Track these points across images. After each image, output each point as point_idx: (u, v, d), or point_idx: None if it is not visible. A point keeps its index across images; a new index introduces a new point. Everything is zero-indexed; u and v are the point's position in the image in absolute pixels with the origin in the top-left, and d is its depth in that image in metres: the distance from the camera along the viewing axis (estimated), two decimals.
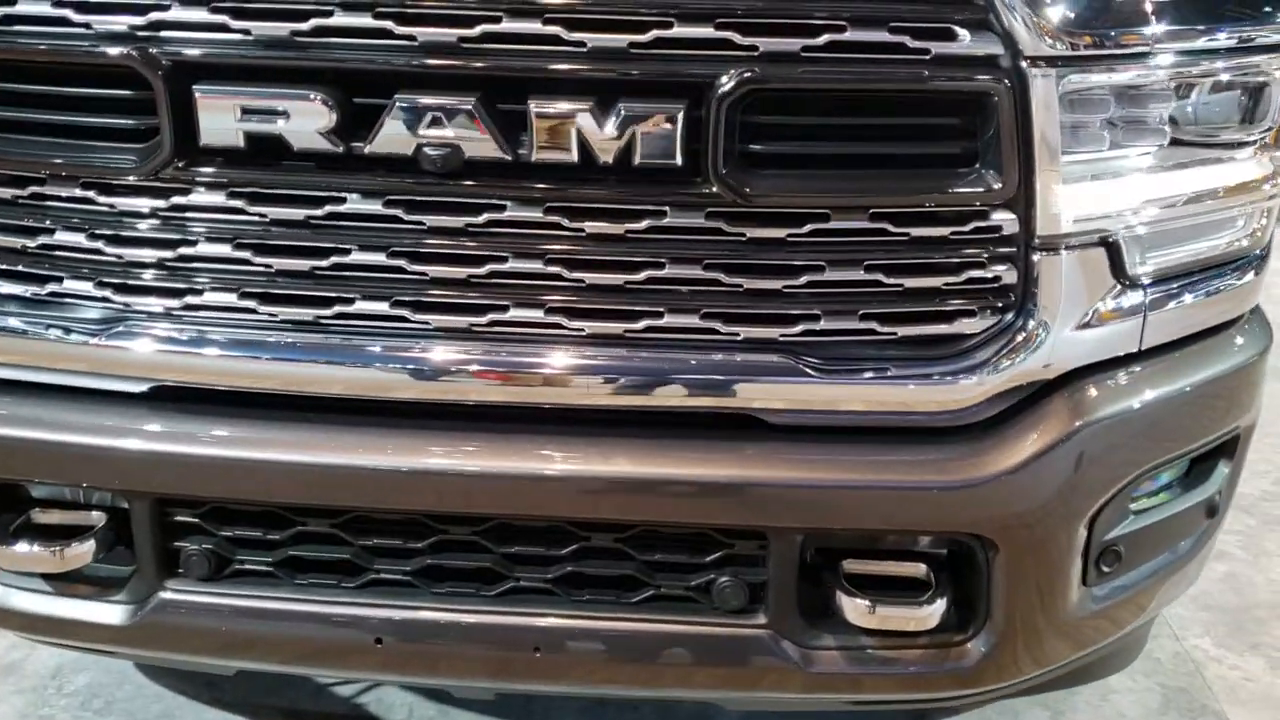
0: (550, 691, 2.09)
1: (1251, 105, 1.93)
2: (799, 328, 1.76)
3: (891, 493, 1.78)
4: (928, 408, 1.79)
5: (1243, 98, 1.92)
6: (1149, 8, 1.74)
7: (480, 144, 1.64)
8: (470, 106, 1.62)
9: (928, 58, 1.62)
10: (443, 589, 1.89)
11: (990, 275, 1.76)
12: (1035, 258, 1.75)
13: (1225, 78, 1.88)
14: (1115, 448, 1.86)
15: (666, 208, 1.69)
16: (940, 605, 1.84)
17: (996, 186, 1.68)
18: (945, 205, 1.71)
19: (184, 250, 1.78)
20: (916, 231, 1.72)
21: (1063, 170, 1.73)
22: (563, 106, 1.62)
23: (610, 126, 1.61)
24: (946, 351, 1.79)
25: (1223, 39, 1.85)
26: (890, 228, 1.71)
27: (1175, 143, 1.84)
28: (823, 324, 1.76)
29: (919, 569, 1.90)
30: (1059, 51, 1.66)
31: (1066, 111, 1.70)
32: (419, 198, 1.71)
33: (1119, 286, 1.84)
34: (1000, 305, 1.78)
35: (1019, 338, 1.78)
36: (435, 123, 1.63)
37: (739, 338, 1.76)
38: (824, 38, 1.60)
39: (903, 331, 1.77)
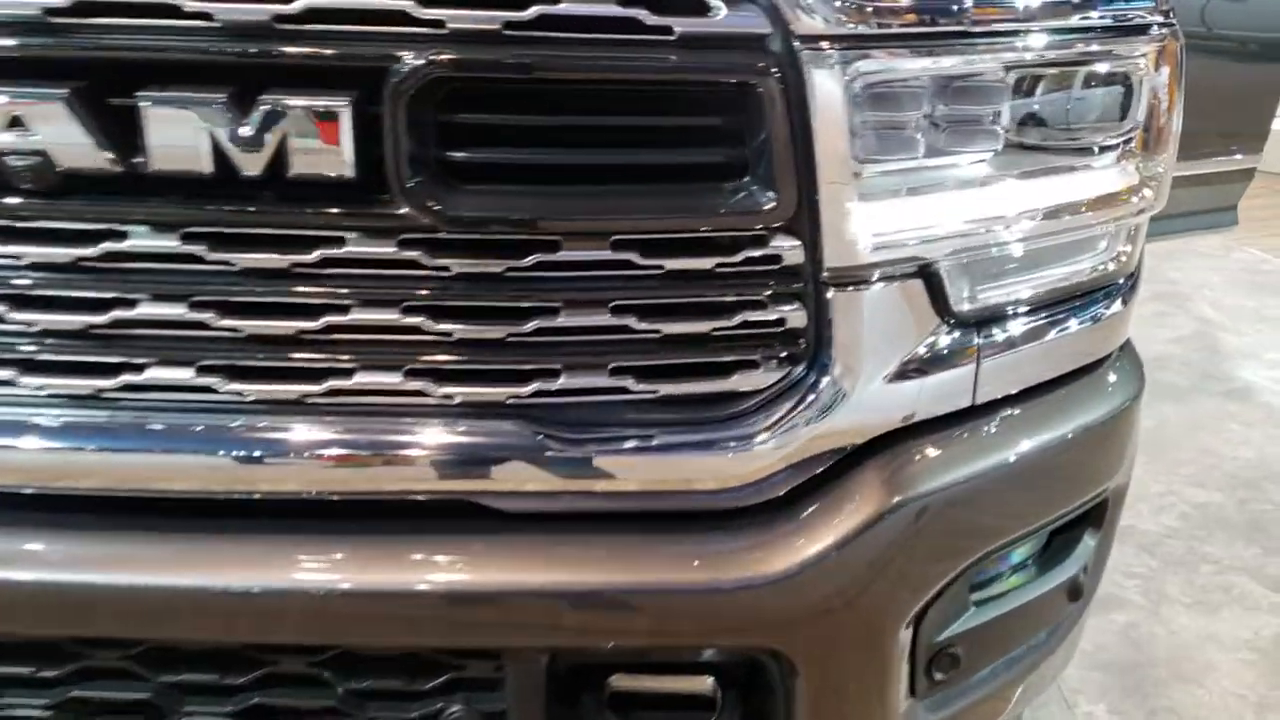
0: None
1: (1111, 102, 1.56)
2: (531, 387, 1.36)
3: (652, 598, 1.38)
4: (701, 485, 1.40)
5: (1100, 92, 1.55)
6: None
7: (76, 150, 1.22)
8: (62, 100, 1.20)
9: (671, 38, 1.23)
10: None
11: (772, 318, 1.37)
12: (829, 294, 1.37)
13: (1077, 68, 1.51)
14: (945, 528, 1.48)
15: (344, 234, 1.28)
16: None
17: (768, 206, 1.29)
18: (707, 230, 1.32)
19: None
20: (672, 264, 1.33)
21: (861, 184, 1.35)
22: (182, 103, 1.20)
23: (249, 127, 1.20)
24: (722, 414, 1.40)
25: (1074, 19, 1.49)
26: (637, 259, 1.32)
27: (1013, 148, 1.47)
28: (562, 382, 1.36)
29: (705, 684, 1.50)
30: (846, 30, 1.28)
31: (864, 109, 1.32)
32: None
33: (943, 327, 1.46)
34: (787, 355, 1.40)
35: (812, 395, 1.40)
36: (14, 125, 1.21)
37: (453, 401, 1.36)
38: (533, 10, 1.21)
39: (665, 389, 1.38)
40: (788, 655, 1.42)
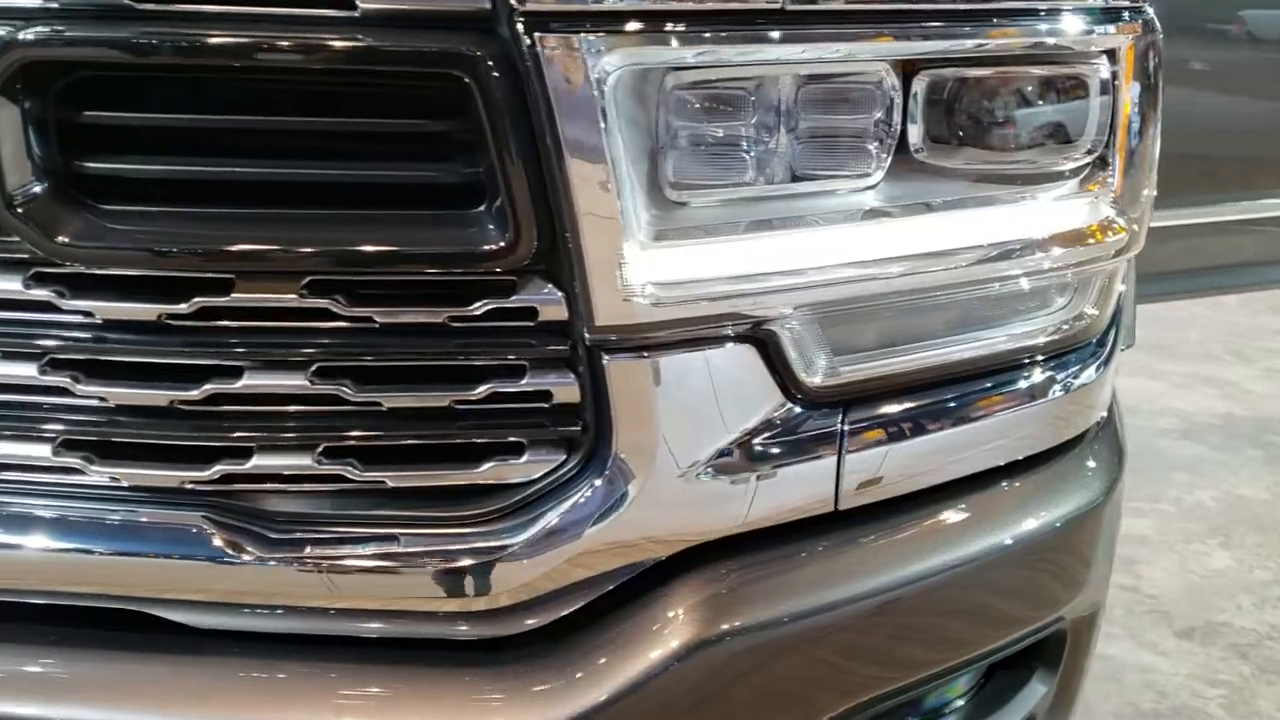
0: None
1: (1058, 113, 1.18)
2: (216, 469, 1.04)
3: None
4: (439, 607, 1.06)
5: (1041, 100, 1.17)
6: None
7: None
8: None
9: (355, 14, 0.91)
10: None
11: (531, 389, 1.03)
12: (605, 361, 1.02)
13: (1007, 68, 1.14)
14: (787, 675, 1.11)
15: None
16: None
17: (501, 242, 0.96)
18: (429, 271, 0.99)
19: None
20: (387, 315, 1.00)
21: (645, 216, 1.00)
22: None
23: None
24: (472, 514, 1.06)
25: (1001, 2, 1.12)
26: (340, 307, 0.99)
27: (907, 170, 1.10)
28: (255, 464, 1.04)
29: None
30: (600, 6, 0.93)
31: (640, 115, 0.98)
32: None
33: (787, 408, 1.09)
34: (557, 440, 1.05)
35: (588, 493, 1.04)
36: None
37: (120, 484, 1.05)
38: None
39: (395, 479, 1.05)
40: None
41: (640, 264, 0.99)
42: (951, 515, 1.20)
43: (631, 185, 0.99)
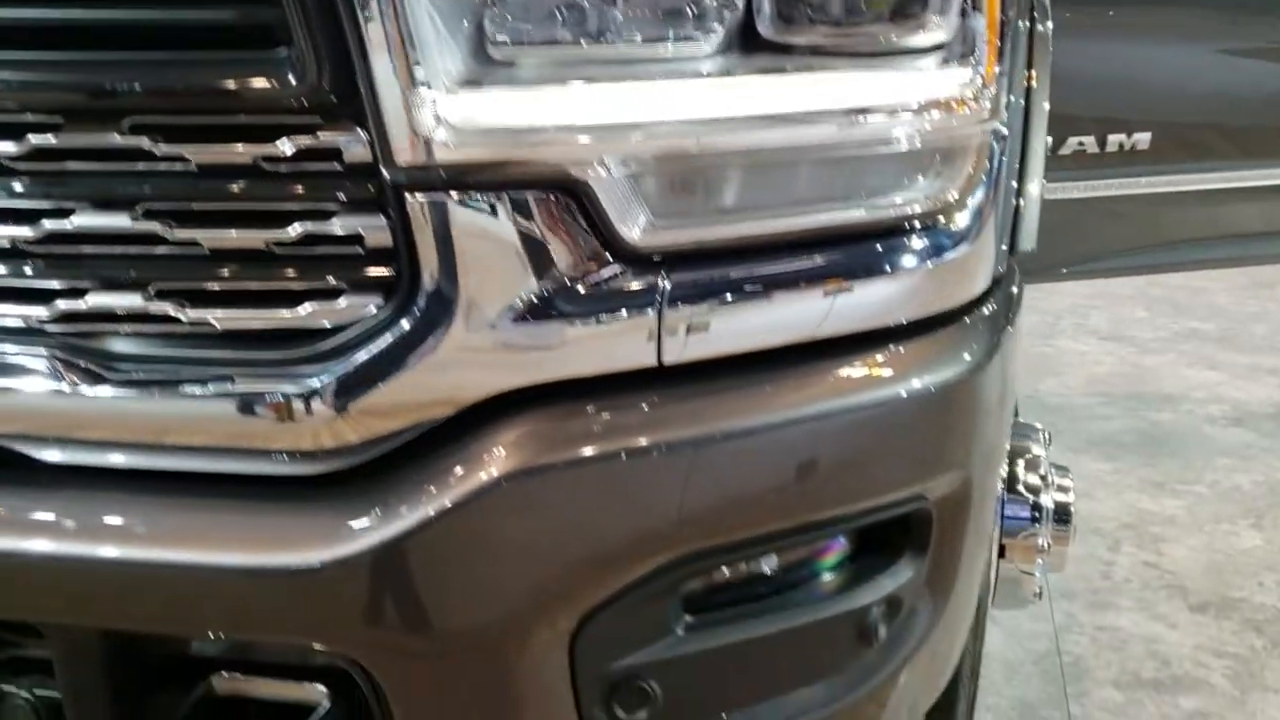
0: None
1: None
2: (56, 305, 1.12)
3: (180, 576, 1.11)
4: (263, 444, 1.12)
5: None
6: None
7: None
8: None
9: None
10: None
11: (341, 232, 1.09)
12: (413, 202, 1.07)
13: None
14: (609, 514, 1.14)
15: None
16: None
17: (299, 82, 1.02)
18: (239, 113, 1.05)
19: None
20: (199, 154, 1.06)
21: (450, 56, 1.05)
22: None
23: None
24: (289, 355, 1.11)
25: None
26: (157, 147, 1.06)
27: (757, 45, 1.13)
28: (92, 303, 1.12)
29: (316, 693, 1.21)
30: None
31: None
32: None
33: (605, 261, 1.13)
34: (365, 283, 1.10)
35: (398, 336, 1.09)
36: None
37: None
38: None
39: (224, 321, 1.11)
40: (367, 669, 1.11)
41: (441, 106, 1.04)
42: (792, 378, 1.21)
43: (438, 31, 1.03)
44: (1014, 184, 1.44)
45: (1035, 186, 1.55)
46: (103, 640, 1.17)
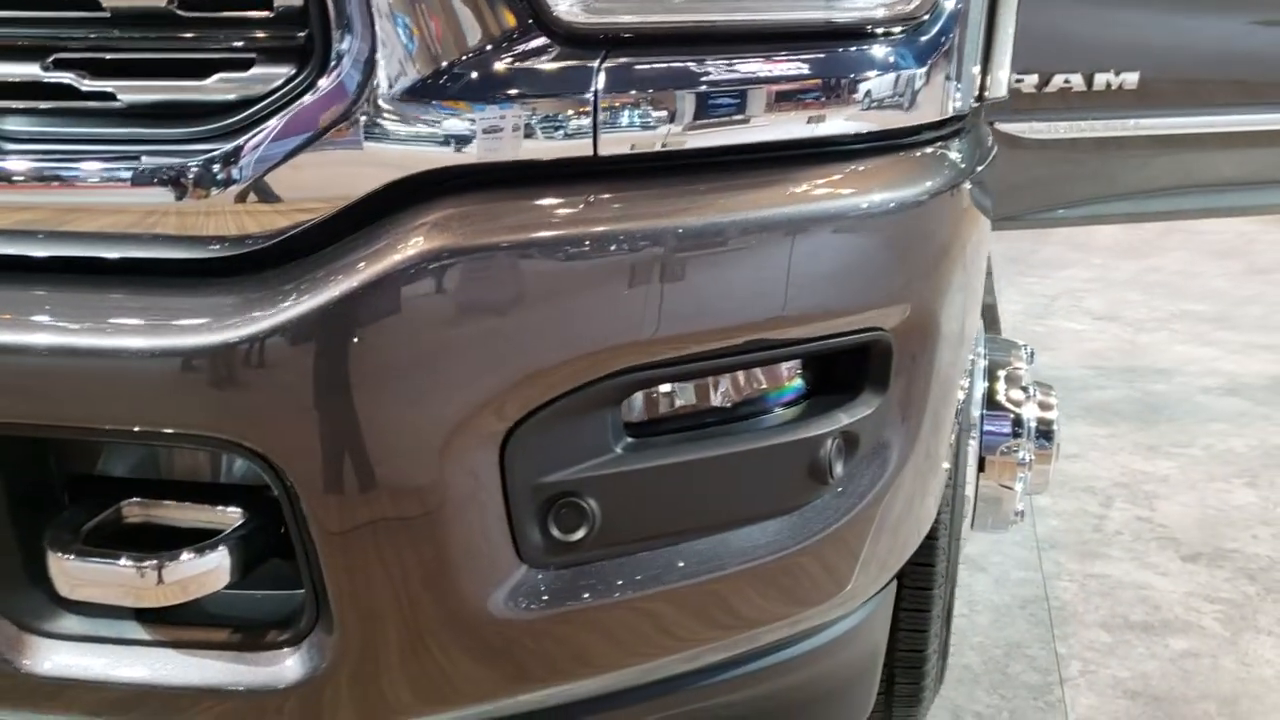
0: None
1: None
2: None
3: (76, 360, 1.03)
4: (161, 228, 1.04)
5: None
6: None
7: None
8: None
9: None
10: None
11: None
12: None
13: None
14: (535, 309, 1.07)
15: None
16: (210, 566, 1.07)
17: None
18: None
19: None
20: None
21: None
22: None
23: None
24: (195, 130, 1.04)
25: None
26: None
27: None
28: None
29: (227, 517, 1.13)
30: None
31: None
32: None
33: (537, 36, 1.06)
34: (275, 49, 1.04)
35: (310, 108, 1.02)
36: None
37: None
38: None
39: (122, 90, 1.04)
40: (272, 461, 1.03)
41: None
42: (739, 181, 1.14)
43: None
44: (986, 15, 1.37)
45: (1010, 26, 1.48)
46: (2, 449, 1.10)
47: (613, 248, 1.08)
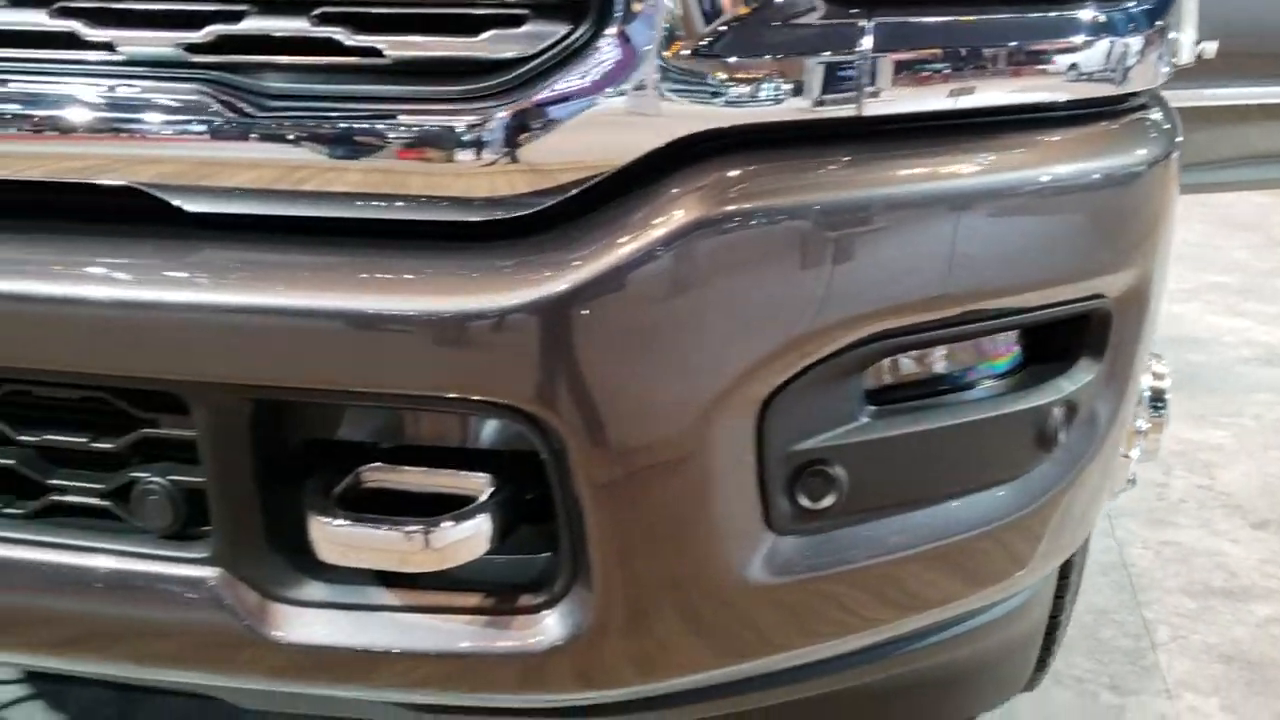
0: None
1: None
2: (208, 30, 1.03)
3: (350, 325, 1.01)
4: (435, 189, 1.02)
5: None
6: None
7: None
8: None
9: None
10: None
11: None
12: None
13: None
14: (804, 272, 1.05)
15: None
16: (474, 532, 1.06)
17: None
18: None
19: None
20: None
21: None
22: None
23: None
24: (467, 88, 1.02)
25: None
26: None
27: None
28: (248, 26, 1.02)
29: (476, 483, 1.12)
30: None
31: None
32: None
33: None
34: (552, 7, 1.01)
35: (588, 67, 1.00)
36: None
37: (117, 57, 1.04)
38: None
39: (389, 46, 1.02)
40: (548, 422, 1.02)
41: None
42: (984, 146, 1.13)
43: None
44: None
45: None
46: (252, 416, 1.08)
47: (878, 211, 1.07)
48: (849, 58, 1.05)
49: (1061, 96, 1.17)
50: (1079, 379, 1.25)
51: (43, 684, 2.20)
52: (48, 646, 1.19)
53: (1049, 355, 1.26)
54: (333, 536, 1.05)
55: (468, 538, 1.05)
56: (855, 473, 1.13)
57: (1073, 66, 1.16)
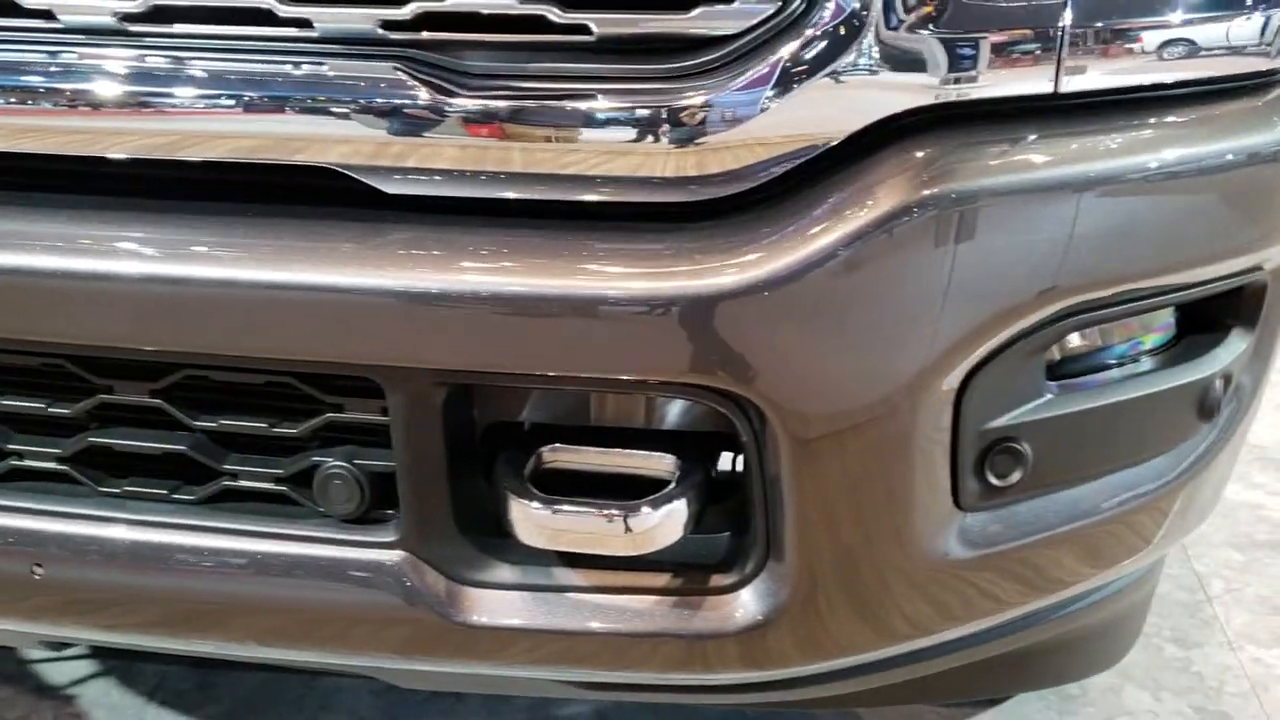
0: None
1: None
2: (410, 7, 0.99)
3: (562, 309, 1.00)
4: (647, 170, 1.01)
5: None
6: None
7: None
8: None
9: None
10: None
11: None
12: None
13: None
14: (1003, 253, 1.05)
15: None
16: (671, 517, 1.05)
17: None
18: None
19: None
20: None
21: None
22: None
23: None
24: (679, 69, 1.00)
25: None
26: None
27: None
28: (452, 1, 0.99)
29: (663, 464, 1.11)
30: None
31: None
32: None
33: None
34: None
35: (809, 43, 0.98)
36: None
37: (311, 33, 1.01)
38: None
39: (598, 23, 0.99)
40: (757, 400, 1.01)
41: None
42: (1164, 122, 1.13)
43: None
44: None
45: None
46: (445, 399, 1.06)
47: (1079, 188, 1.06)
48: (1050, 32, 1.04)
49: (1238, 69, 1.16)
50: (1235, 350, 1.26)
51: (110, 659, 2.18)
52: (216, 634, 1.17)
53: (1201, 328, 1.27)
54: (539, 520, 1.04)
55: (673, 520, 1.05)
56: (1038, 449, 1.14)
57: (1239, 40, 1.15)
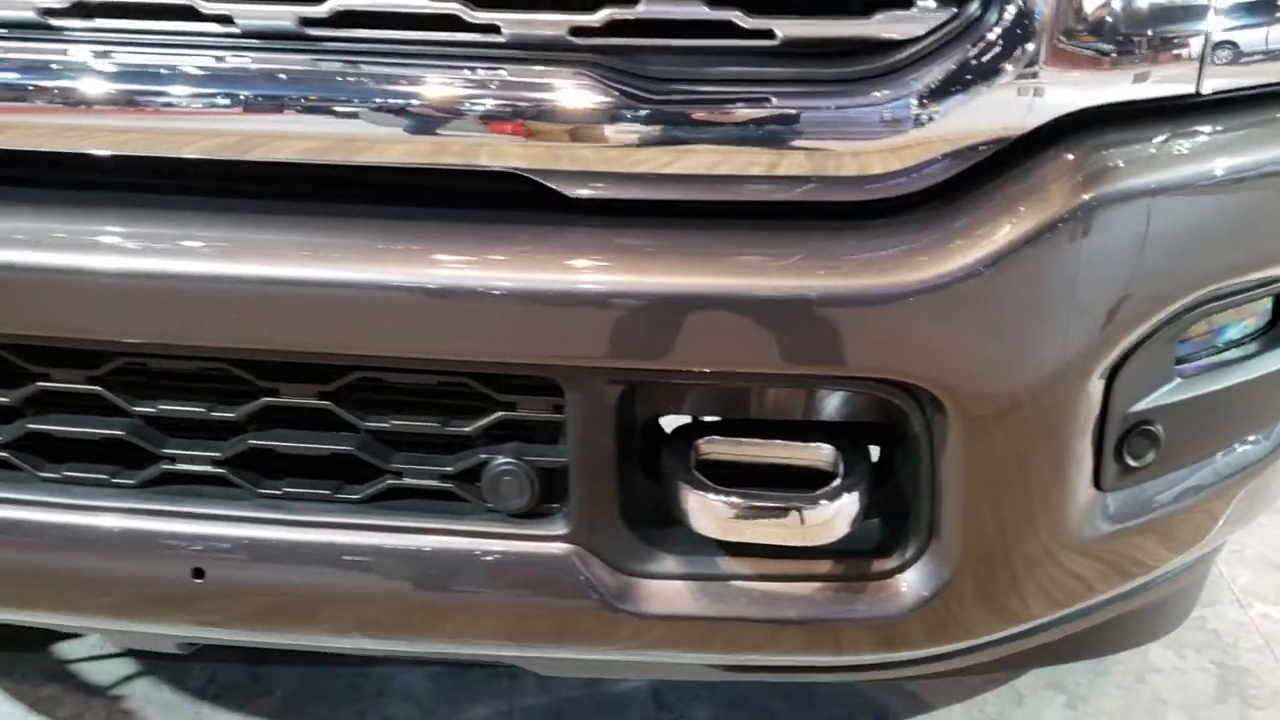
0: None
1: None
2: (602, 13, 1.01)
3: (746, 306, 1.03)
4: (830, 169, 1.03)
5: None
6: None
7: None
8: None
9: None
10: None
11: None
12: None
13: None
14: (1155, 249, 1.10)
15: None
16: (847, 507, 1.09)
17: None
18: None
19: None
20: None
21: None
22: None
23: None
24: (859, 72, 1.03)
25: None
26: None
27: None
28: (643, 9, 1.01)
29: (822, 454, 1.14)
30: None
31: None
32: None
33: None
34: None
35: (987, 48, 1.02)
36: None
37: (499, 37, 1.02)
38: None
39: (782, 28, 1.02)
40: (936, 391, 1.05)
41: None
42: None
43: None
44: None
45: None
46: (618, 396, 1.09)
47: (1230, 182, 1.12)
48: (1197, 34, 1.09)
49: None
50: None
51: (154, 658, 2.16)
52: (383, 630, 1.19)
53: None
54: (716, 511, 1.08)
55: (848, 511, 1.09)
56: (1170, 431, 1.20)
57: None
